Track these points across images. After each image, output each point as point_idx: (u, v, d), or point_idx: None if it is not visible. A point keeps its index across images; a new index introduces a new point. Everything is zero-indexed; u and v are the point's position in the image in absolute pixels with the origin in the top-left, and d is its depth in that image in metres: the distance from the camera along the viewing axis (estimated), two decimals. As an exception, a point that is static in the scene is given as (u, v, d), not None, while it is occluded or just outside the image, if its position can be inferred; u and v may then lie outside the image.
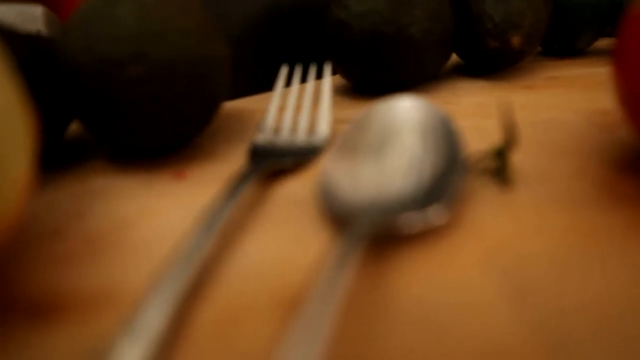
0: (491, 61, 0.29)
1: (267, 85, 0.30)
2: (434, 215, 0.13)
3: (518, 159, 0.19)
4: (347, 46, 0.26)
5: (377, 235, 0.14)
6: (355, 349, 0.10)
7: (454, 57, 0.37)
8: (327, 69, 0.24)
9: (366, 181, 0.16)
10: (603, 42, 0.40)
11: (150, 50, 0.17)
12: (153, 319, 0.10)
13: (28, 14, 0.33)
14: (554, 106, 0.24)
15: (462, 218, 0.15)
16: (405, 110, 0.18)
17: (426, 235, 0.14)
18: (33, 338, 0.11)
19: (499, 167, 0.17)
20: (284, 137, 0.21)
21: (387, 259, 0.13)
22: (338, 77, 0.33)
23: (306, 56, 0.30)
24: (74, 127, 0.27)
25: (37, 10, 0.33)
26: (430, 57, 0.26)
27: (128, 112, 0.18)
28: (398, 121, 0.17)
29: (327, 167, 0.16)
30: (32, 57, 0.20)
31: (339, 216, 0.14)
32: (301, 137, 0.21)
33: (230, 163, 0.21)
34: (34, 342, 0.11)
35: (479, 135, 0.22)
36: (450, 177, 0.15)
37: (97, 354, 0.11)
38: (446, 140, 0.16)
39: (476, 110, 0.25)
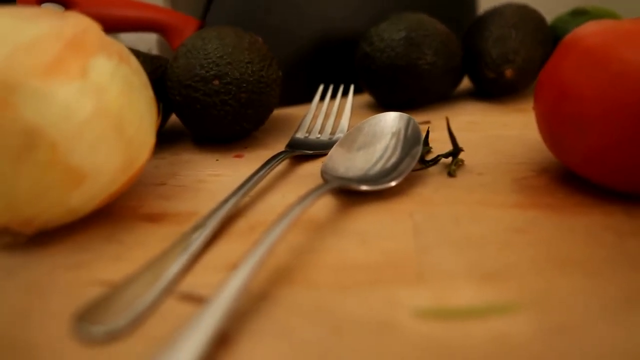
0: (490, 89, 0.36)
1: (311, 97, 0.39)
2: (384, 184, 0.21)
3: (472, 160, 0.26)
4: (372, 73, 0.34)
5: (342, 189, 0.23)
6: (310, 246, 0.19)
7: (469, 83, 0.44)
8: (351, 89, 0.32)
9: (355, 165, 0.24)
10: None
11: (225, 73, 0.27)
12: (213, 222, 0.19)
13: (144, 38, 0.45)
14: (527, 126, 0.31)
15: (411, 190, 0.23)
16: (390, 121, 0.26)
17: (381, 195, 0.22)
18: (148, 229, 0.21)
19: (450, 163, 0.25)
20: (314, 135, 0.30)
21: (350, 205, 0.22)
22: (367, 95, 0.41)
23: (341, 77, 0.39)
24: (171, 119, 0.38)
25: (152, 36, 0.45)
26: (437, 84, 0.34)
27: (208, 111, 0.28)
28: (383, 128, 0.25)
29: (330, 154, 0.25)
30: (154, 71, 0.30)
31: (327, 181, 0.22)
32: (326, 136, 0.30)
33: (274, 150, 0.30)
34: (148, 231, 0.21)
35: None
36: (405, 164, 0.23)
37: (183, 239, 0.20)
38: (409, 142, 0.24)
39: (466, 125, 0.32)
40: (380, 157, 0.24)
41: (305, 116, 0.32)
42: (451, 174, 0.24)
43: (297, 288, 0.16)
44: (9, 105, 0.17)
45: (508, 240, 0.18)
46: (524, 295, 0.15)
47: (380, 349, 0.14)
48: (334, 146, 0.25)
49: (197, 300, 0.16)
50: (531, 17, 0.35)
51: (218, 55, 0.27)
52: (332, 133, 0.30)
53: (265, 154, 0.29)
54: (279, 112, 0.38)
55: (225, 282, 0.15)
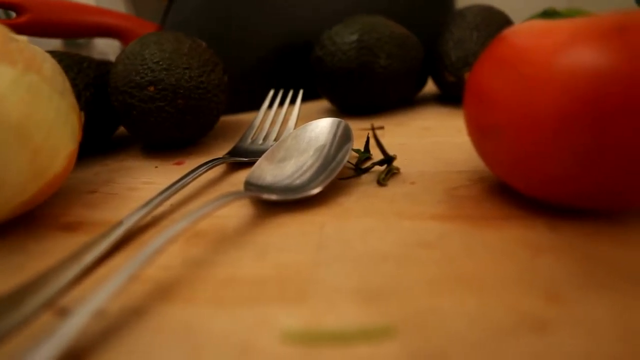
0: (452, 92, 0.34)
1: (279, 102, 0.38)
2: (302, 193, 0.21)
3: (410, 168, 0.25)
4: (325, 78, 0.33)
5: (256, 199, 0.22)
6: (205, 259, 0.18)
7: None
8: (299, 94, 0.31)
9: (284, 173, 0.23)
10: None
11: (161, 79, 0.27)
12: (118, 232, 0.19)
13: (112, 44, 0.45)
14: (482, 132, 0.30)
15: (334, 199, 0.22)
16: (322, 128, 0.25)
17: (300, 205, 0.21)
18: (60, 238, 0.21)
19: (382, 171, 0.24)
20: (257, 143, 0.29)
21: (267, 216, 0.21)
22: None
23: (302, 82, 0.38)
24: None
25: (115, 43, 0.45)
26: (394, 88, 0.33)
27: (145, 118, 0.27)
28: (317, 135, 0.25)
29: (258, 162, 0.24)
30: (99, 76, 0.30)
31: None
32: (269, 144, 0.29)
33: (216, 157, 0.29)
34: (54, 240, 0.20)
35: (404, 149, 0.28)
36: (326, 173, 0.22)
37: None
38: (337, 150, 0.23)
39: (418, 131, 0.31)
40: (304, 166, 0.23)
41: (252, 123, 0.31)
42: (381, 183, 0.23)
43: (175, 304, 0.16)
44: None
45: (412, 256, 0.17)
46: (405, 318, 0.14)
47: (234, 373, 0.13)
48: (263, 155, 0.24)
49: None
50: (495, 18, 0.34)
51: (154, 60, 0.27)
52: (276, 140, 0.30)
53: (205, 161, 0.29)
54: (237, 118, 0.38)
55: (86, 297, 0.14)
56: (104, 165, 0.29)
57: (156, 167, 0.28)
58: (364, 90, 0.32)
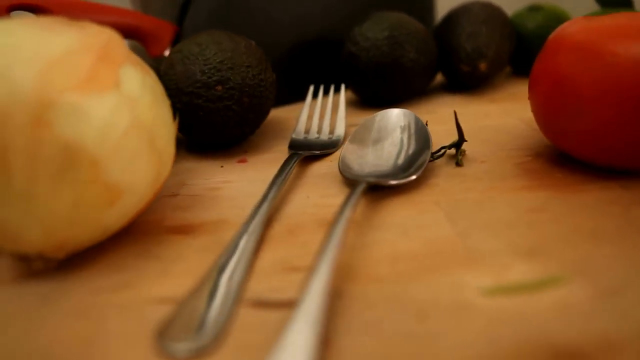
0: (465, 81, 0.38)
1: (298, 98, 0.39)
2: (406, 177, 0.23)
3: (471, 149, 0.28)
4: (357, 71, 0.35)
5: (372, 187, 0.24)
6: (356, 242, 0.20)
7: (440, 77, 0.47)
8: (342, 87, 0.33)
9: (368, 161, 0.25)
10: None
11: (228, 78, 0.27)
12: (257, 229, 0.19)
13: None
14: (507, 114, 0.34)
15: (426, 182, 0.24)
16: (395, 116, 0.27)
17: (403, 189, 0.23)
18: (181, 242, 0.21)
19: (455, 154, 0.26)
20: (312, 135, 0.31)
21: (375, 200, 0.23)
22: (350, 93, 0.43)
23: (327, 77, 0.40)
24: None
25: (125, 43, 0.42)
26: (418, 79, 0.36)
27: (211, 117, 0.27)
28: (390, 123, 0.27)
29: (344, 152, 0.26)
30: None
31: (350, 181, 0.23)
32: (324, 135, 0.31)
33: (274, 152, 0.30)
34: (175, 243, 0.21)
35: (447, 134, 0.31)
36: (419, 157, 0.24)
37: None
38: (419, 135, 0.25)
39: (450, 117, 0.34)
40: (396, 152, 0.25)
41: (300, 117, 0.32)
42: (459, 164, 0.26)
43: (363, 282, 0.17)
44: (44, 123, 0.16)
45: (531, 220, 0.20)
46: (567, 266, 0.17)
47: (465, 326, 0.15)
48: (346, 144, 0.26)
49: (273, 305, 0.16)
50: (497, 13, 0.38)
51: (218, 60, 0.27)
52: (331, 132, 0.31)
53: (266, 157, 0.29)
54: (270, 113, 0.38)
55: (307, 284, 0.15)
56: (162, 169, 0.29)
57: (222, 166, 0.29)
58: (393, 83, 0.35)
